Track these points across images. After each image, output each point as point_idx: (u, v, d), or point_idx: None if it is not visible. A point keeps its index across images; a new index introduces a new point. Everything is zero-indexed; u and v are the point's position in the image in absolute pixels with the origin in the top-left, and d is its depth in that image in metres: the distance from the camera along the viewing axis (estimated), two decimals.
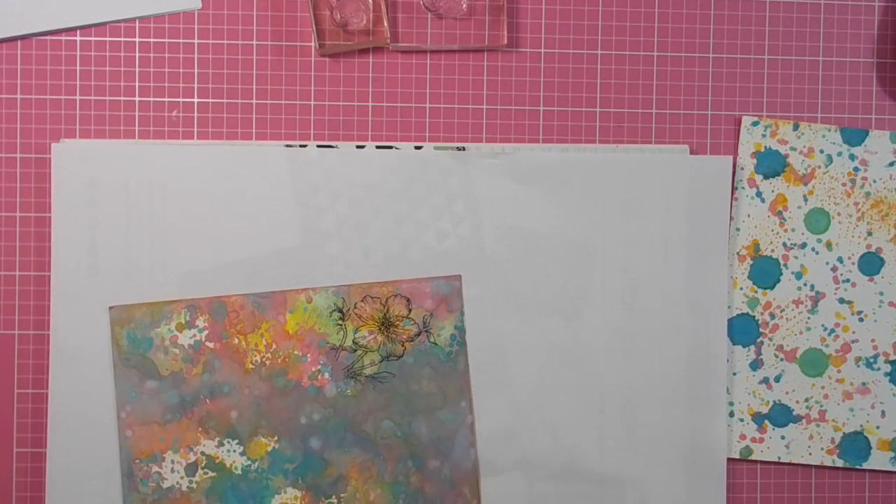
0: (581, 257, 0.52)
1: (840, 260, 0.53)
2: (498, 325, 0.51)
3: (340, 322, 0.51)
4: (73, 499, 0.50)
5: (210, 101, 0.51)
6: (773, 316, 0.53)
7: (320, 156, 0.51)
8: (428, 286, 0.51)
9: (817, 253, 0.53)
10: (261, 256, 0.50)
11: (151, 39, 0.51)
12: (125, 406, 0.50)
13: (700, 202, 0.52)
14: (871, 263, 0.53)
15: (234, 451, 0.50)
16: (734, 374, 0.53)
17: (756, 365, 0.53)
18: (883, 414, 0.53)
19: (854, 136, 0.53)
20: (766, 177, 0.53)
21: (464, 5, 0.52)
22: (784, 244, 0.53)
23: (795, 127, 0.53)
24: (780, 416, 0.53)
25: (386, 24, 0.51)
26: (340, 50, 0.52)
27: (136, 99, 0.51)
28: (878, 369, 0.53)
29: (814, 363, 0.53)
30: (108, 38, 0.51)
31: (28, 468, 0.51)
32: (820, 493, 0.53)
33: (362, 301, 0.51)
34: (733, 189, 0.53)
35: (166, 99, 0.51)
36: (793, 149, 0.53)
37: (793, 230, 0.53)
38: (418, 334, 0.51)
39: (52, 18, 0.50)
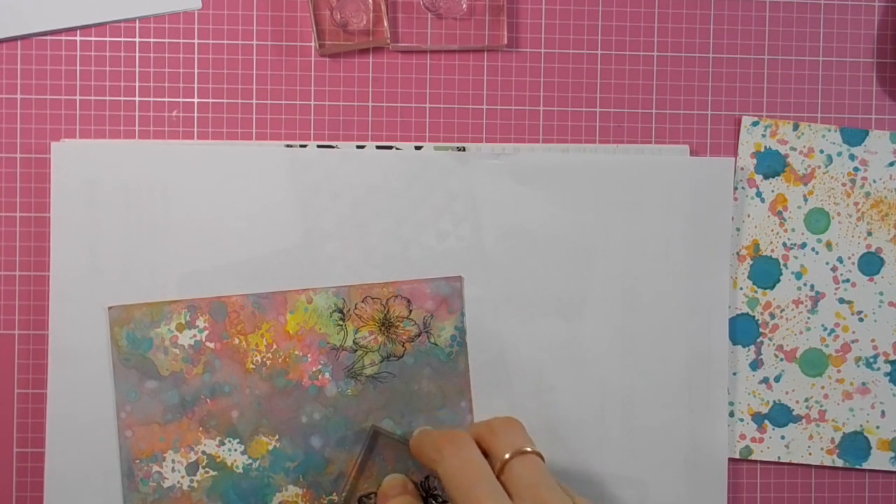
0: (582, 258, 0.52)
1: (840, 260, 0.53)
2: (498, 325, 0.51)
3: (341, 322, 0.51)
4: (72, 499, 0.50)
5: (210, 101, 0.51)
6: (773, 316, 0.53)
7: (320, 156, 0.51)
8: (428, 287, 0.51)
9: (817, 253, 0.53)
10: (261, 256, 0.50)
11: (151, 39, 0.51)
12: (125, 406, 0.50)
13: (701, 203, 0.52)
14: (871, 263, 0.53)
15: (236, 450, 0.50)
16: (734, 374, 0.53)
17: (756, 365, 0.53)
18: (883, 414, 0.53)
19: (854, 136, 0.53)
20: (766, 177, 0.53)
21: (464, 5, 0.52)
22: (784, 244, 0.53)
23: (795, 127, 0.53)
24: (780, 416, 0.53)
25: (386, 24, 0.51)
26: (340, 50, 0.52)
27: (136, 99, 0.51)
28: (878, 369, 0.53)
29: (814, 363, 0.53)
30: (108, 38, 0.51)
31: (28, 468, 0.51)
32: (820, 493, 0.54)
33: (363, 302, 0.51)
34: (733, 189, 0.53)
35: (166, 99, 0.51)
36: (793, 149, 0.53)
37: (793, 230, 0.53)
38: (418, 335, 0.51)
39: (52, 18, 0.50)
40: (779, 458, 0.53)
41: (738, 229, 0.53)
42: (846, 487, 0.54)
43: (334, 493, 0.51)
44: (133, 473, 0.50)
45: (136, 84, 0.51)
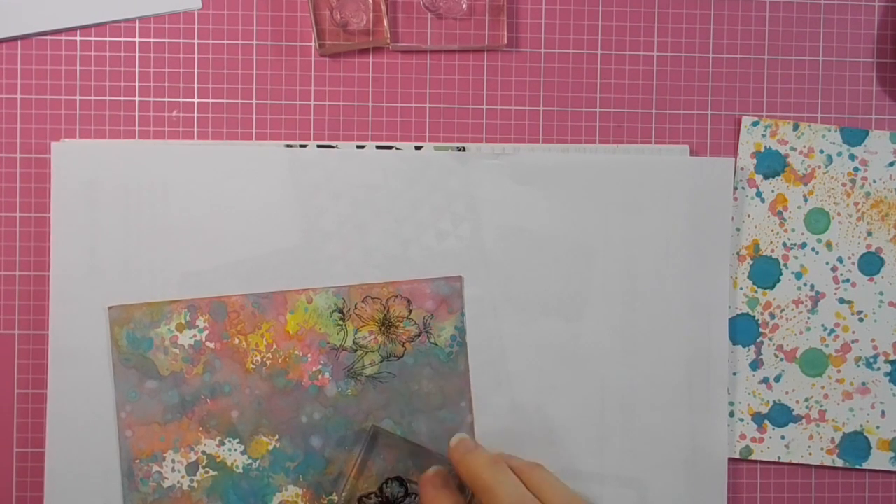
0: (582, 258, 0.52)
1: (840, 260, 0.53)
2: (498, 325, 0.51)
3: (341, 322, 0.51)
4: (72, 499, 0.50)
5: (210, 101, 0.51)
6: (773, 316, 0.53)
7: (320, 156, 0.51)
8: (428, 287, 0.51)
9: (817, 253, 0.53)
10: (261, 256, 0.50)
11: (151, 39, 0.51)
12: (125, 406, 0.50)
13: (701, 203, 0.52)
14: (871, 263, 0.53)
15: (236, 450, 0.50)
16: (734, 374, 0.53)
17: (756, 365, 0.53)
18: (883, 414, 0.53)
19: (854, 136, 0.53)
20: (766, 177, 0.53)
21: (464, 5, 0.52)
22: (784, 244, 0.53)
23: (795, 127, 0.53)
24: (780, 416, 0.53)
25: (386, 24, 0.51)
26: (340, 50, 0.52)
27: (136, 99, 0.51)
28: (878, 369, 0.53)
29: (814, 363, 0.53)
30: (108, 38, 0.51)
31: (28, 468, 0.51)
32: (820, 493, 0.54)
33: (363, 302, 0.51)
34: (733, 189, 0.53)
35: (166, 99, 0.51)
36: (793, 149, 0.53)
37: (793, 230, 0.53)
38: (418, 335, 0.51)
39: (52, 18, 0.50)
40: (779, 458, 0.53)
41: (738, 229, 0.53)
42: (846, 487, 0.54)
43: (334, 493, 0.51)
44: (133, 473, 0.50)
45: (136, 84, 0.51)
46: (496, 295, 0.51)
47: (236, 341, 0.50)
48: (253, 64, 0.52)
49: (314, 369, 0.51)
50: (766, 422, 0.53)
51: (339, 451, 0.51)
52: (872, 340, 0.53)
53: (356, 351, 0.51)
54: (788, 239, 0.53)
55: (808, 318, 0.53)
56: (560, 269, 0.52)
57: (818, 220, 0.53)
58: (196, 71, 0.51)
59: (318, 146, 0.51)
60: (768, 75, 0.53)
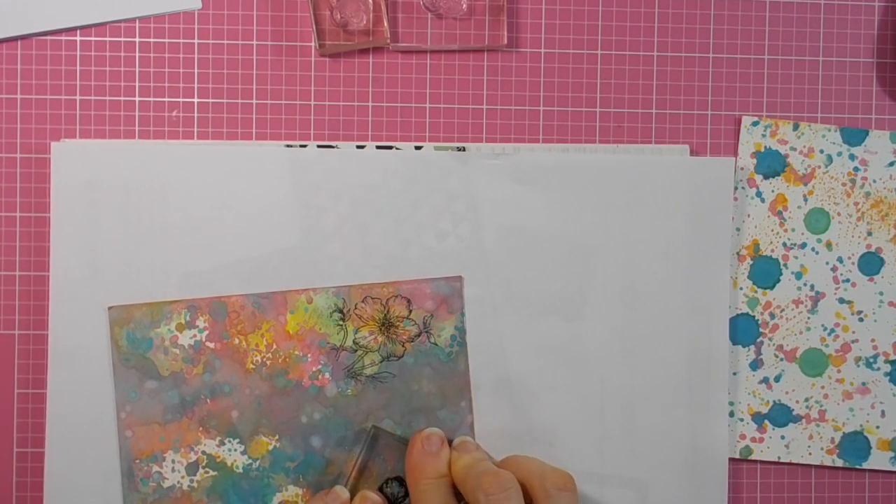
0: (582, 258, 0.52)
1: (840, 260, 0.53)
2: (498, 325, 0.51)
3: (341, 322, 0.51)
4: (72, 499, 0.50)
5: (210, 101, 0.51)
6: (773, 316, 0.53)
7: (320, 156, 0.51)
8: (428, 287, 0.51)
9: (817, 253, 0.53)
10: (261, 256, 0.50)
11: (151, 39, 0.51)
12: (125, 406, 0.50)
13: (702, 203, 0.52)
14: (871, 263, 0.53)
15: (236, 450, 0.50)
16: (734, 374, 0.53)
17: (756, 365, 0.53)
18: (883, 414, 0.53)
19: (854, 136, 0.53)
20: (766, 177, 0.53)
21: (464, 5, 0.52)
22: (784, 244, 0.53)
23: (795, 127, 0.53)
24: (780, 415, 0.53)
25: (386, 24, 0.51)
26: (340, 50, 0.52)
27: (136, 99, 0.51)
28: (878, 369, 0.53)
29: (814, 363, 0.53)
30: (108, 38, 0.51)
31: (28, 468, 0.51)
32: (820, 493, 0.54)
33: (363, 302, 0.51)
34: (733, 189, 0.53)
35: (166, 99, 0.51)
36: (793, 149, 0.53)
37: (793, 230, 0.53)
38: (419, 335, 0.51)
39: (52, 18, 0.50)
40: (779, 458, 0.53)
41: (738, 229, 0.53)
42: (846, 487, 0.54)
43: None
44: (133, 473, 0.50)
45: (136, 84, 0.51)
46: (496, 295, 0.51)
47: (236, 341, 0.50)
48: (253, 64, 0.52)
49: (314, 369, 0.51)
50: (766, 422, 0.53)
51: (339, 451, 0.51)
52: (872, 340, 0.53)
53: (356, 351, 0.51)
54: (788, 239, 0.53)
55: (808, 318, 0.53)
56: (560, 269, 0.52)
57: (818, 220, 0.53)
58: (196, 71, 0.51)
59: (318, 146, 0.51)
60: (768, 75, 0.53)
